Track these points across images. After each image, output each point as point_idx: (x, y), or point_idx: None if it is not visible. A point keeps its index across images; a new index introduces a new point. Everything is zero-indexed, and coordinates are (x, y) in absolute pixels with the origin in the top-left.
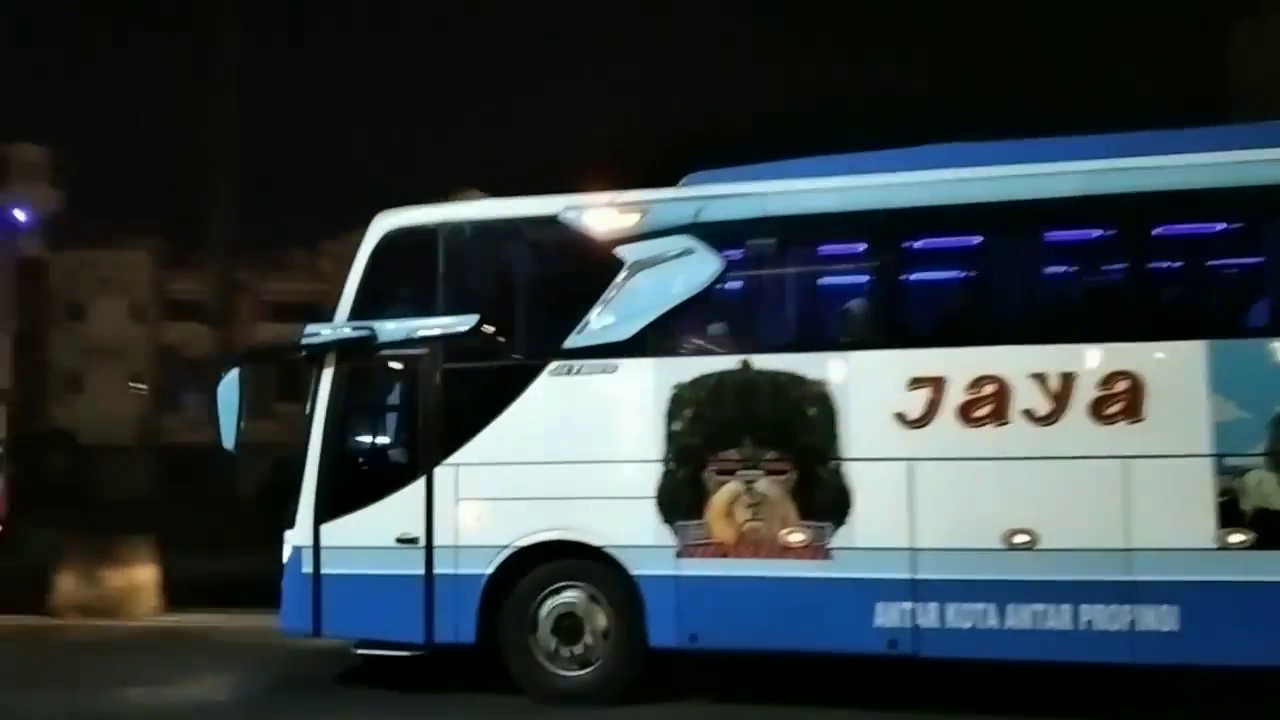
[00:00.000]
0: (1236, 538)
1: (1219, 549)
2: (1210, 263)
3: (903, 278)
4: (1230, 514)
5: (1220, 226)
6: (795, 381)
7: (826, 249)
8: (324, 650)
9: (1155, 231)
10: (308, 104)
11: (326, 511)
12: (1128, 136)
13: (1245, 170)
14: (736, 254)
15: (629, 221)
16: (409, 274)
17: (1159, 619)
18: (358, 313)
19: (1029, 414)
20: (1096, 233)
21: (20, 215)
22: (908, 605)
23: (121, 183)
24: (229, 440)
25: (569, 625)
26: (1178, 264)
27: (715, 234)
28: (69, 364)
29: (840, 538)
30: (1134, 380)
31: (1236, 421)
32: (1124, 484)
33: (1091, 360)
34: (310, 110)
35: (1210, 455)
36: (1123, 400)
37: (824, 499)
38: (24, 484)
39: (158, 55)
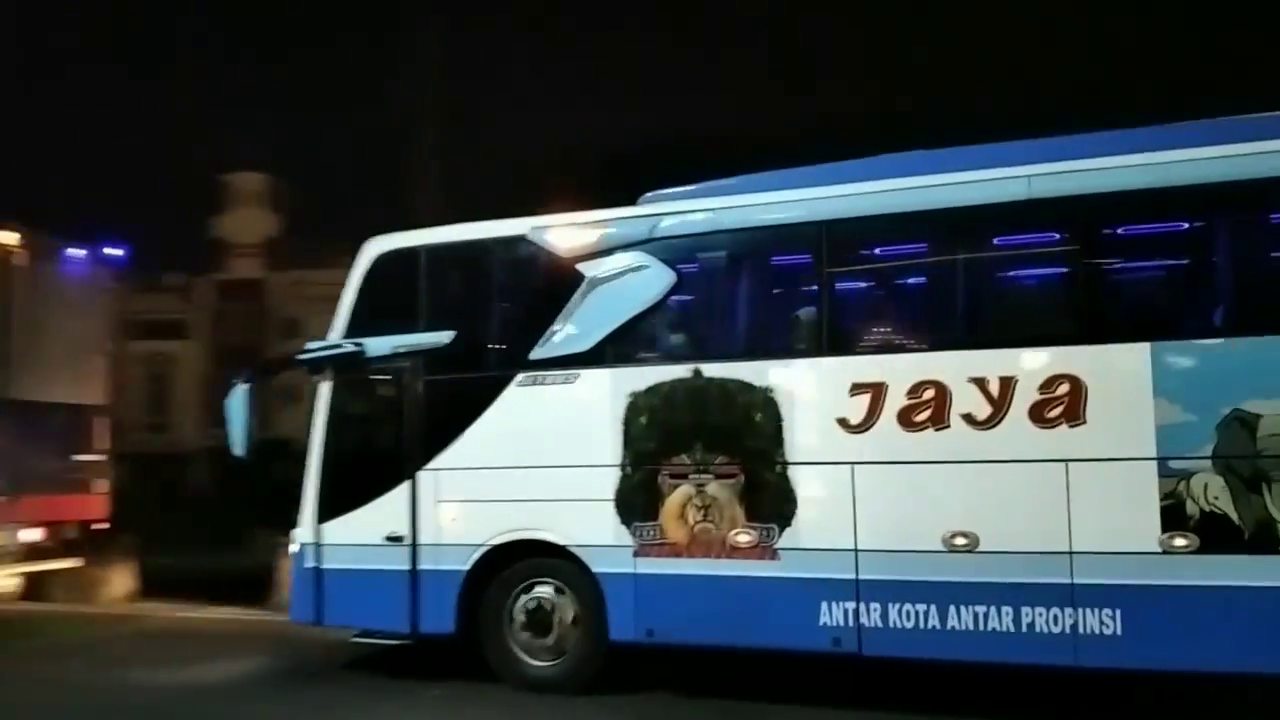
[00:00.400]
0: (1180, 541)
1: (1162, 553)
2: (1153, 264)
3: (843, 286)
4: (1174, 518)
5: (1164, 227)
6: (742, 388)
7: (771, 261)
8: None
9: (1097, 234)
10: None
11: (326, 511)
12: (1078, 138)
13: (1185, 169)
14: (688, 267)
15: (588, 239)
16: (396, 293)
17: (1101, 623)
18: (352, 330)
19: (969, 418)
20: (1037, 236)
21: (118, 252)
22: (851, 605)
23: (334, 202)
24: (239, 448)
25: (540, 619)
26: (1120, 266)
27: (668, 249)
28: (287, 378)
29: (786, 538)
30: (1075, 383)
31: (1181, 424)
32: (1065, 487)
33: (1031, 364)
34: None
35: (1153, 458)
36: (1063, 403)
37: (770, 501)
38: (250, 489)
39: (357, 72)
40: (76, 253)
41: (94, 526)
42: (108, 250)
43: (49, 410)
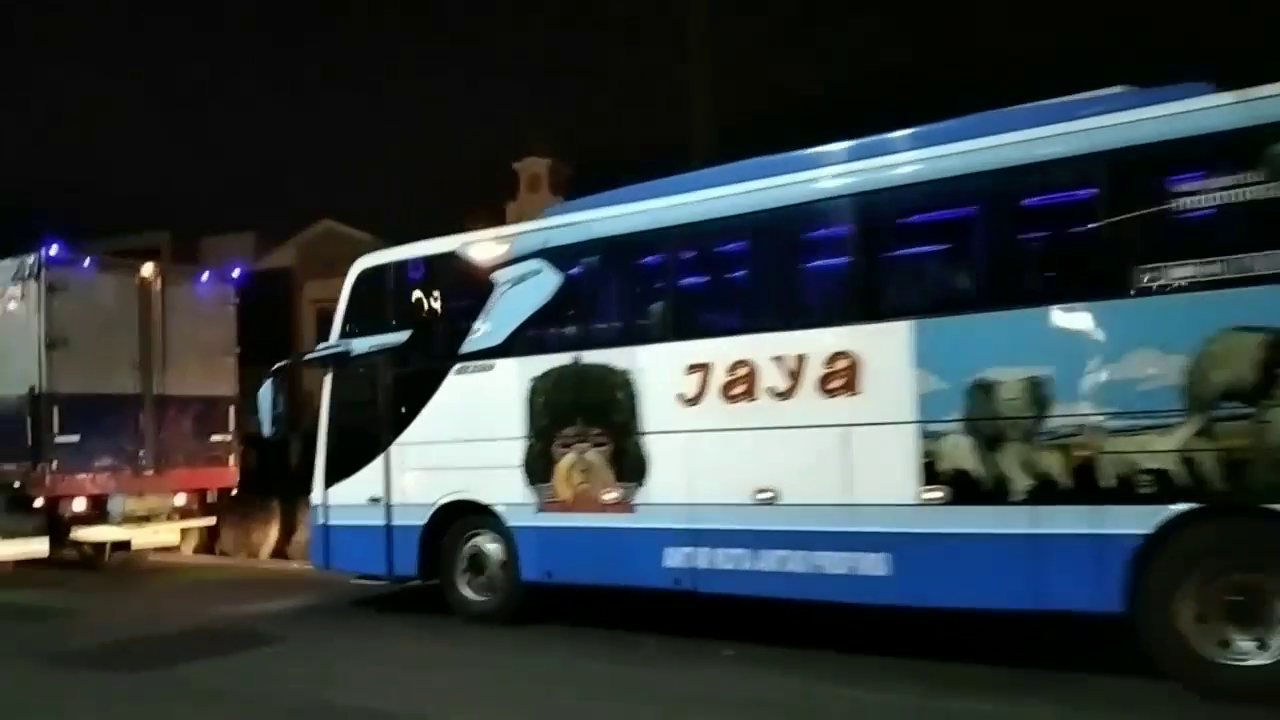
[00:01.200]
0: (934, 494)
1: (921, 504)
2: (913, 250)
3: (679, 282)
4: (931, 473)
5: (920, 217)
6: (609, 372)
7: (627, 262)
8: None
9: (868, 226)
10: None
11: (330, 479)
12: (873, 139)
13: (937, 165)
14: (572, 271)
15: (500, 251)
16: (373, 301)
17: (874, 565)
18: (345, 333)
19: (772, 391)
20: (824, 232)
21: (236, 273)
22: (687, 549)
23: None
24: (267, 430)
25: (478, 564)
26: (886, 253)
27: (557, 256)
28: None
29: (641, 495)
30: (852, 359)
31: (935, 392)
32: (845, 448)
33: (818, 343)
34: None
35: (915, 422)
36: (843, 376)
37: (630, 464)
38: None
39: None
40: (204, 276)
41: (230, 493)
42: (234, 272)
43: (189, 402)
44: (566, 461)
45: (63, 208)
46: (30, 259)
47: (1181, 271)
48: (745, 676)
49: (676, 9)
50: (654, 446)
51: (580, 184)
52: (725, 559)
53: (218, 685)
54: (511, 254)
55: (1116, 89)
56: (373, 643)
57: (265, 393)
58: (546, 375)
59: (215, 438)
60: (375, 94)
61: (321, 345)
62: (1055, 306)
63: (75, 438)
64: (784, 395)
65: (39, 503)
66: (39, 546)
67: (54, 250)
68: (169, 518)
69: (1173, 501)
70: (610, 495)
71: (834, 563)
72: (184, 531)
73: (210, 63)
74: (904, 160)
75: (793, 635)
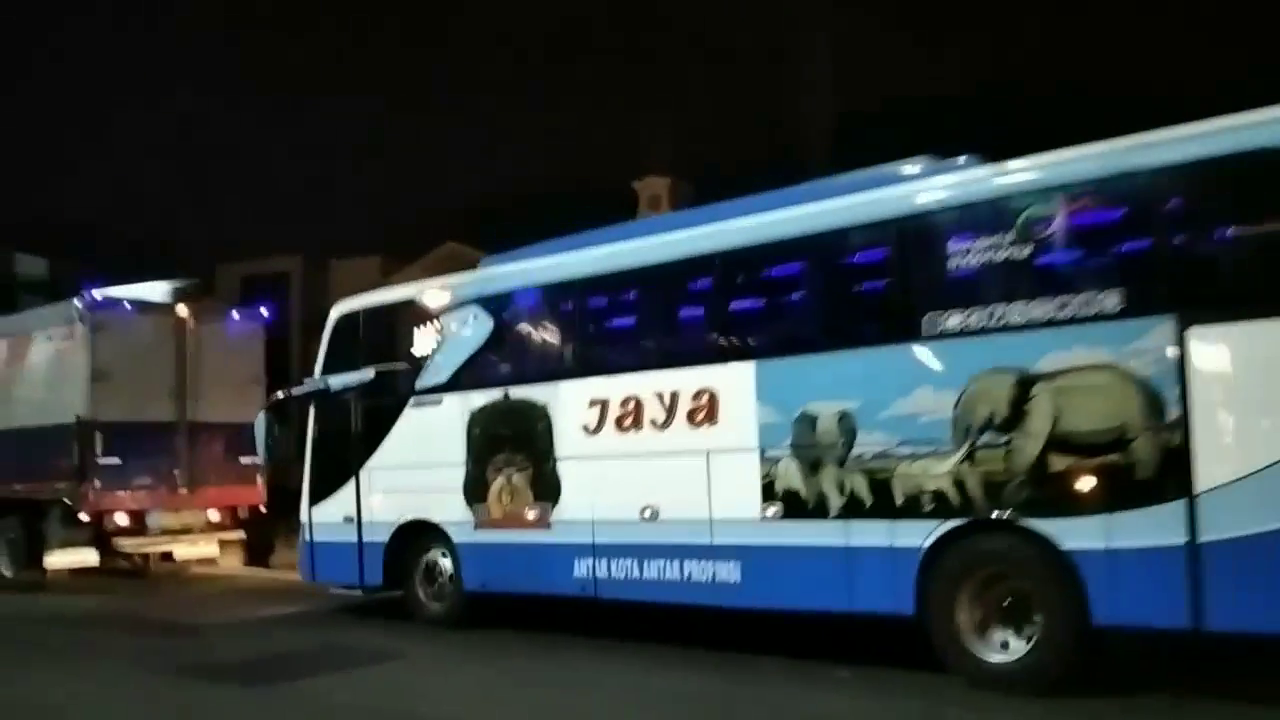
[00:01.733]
0: (771, 511)
1: (761, 519)
2: (756, 301)
3: (581, 326)
4: (768, 493)
5: (758, 273)
6: (530, 405)
7: (544, 309)
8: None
9: (720, 280)
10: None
11: (313, 500)
12: (731, 202)
13: (773, 229)
14: (500, 316)
15: (446, 298)
16: (348, 342)
17: (728, 572)
18: (326, 370)
19: (653, 422)
20: (685, 283)
21: (264, 312)
22: (590, 560)
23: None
24: (262, 458)
25: (433, 575)
26: (735, 303)
27: (490, 303)
28: None
29: (555, 513)
30: (711, 394)
31: (772, 423)
32: (707, 471)
33: (687, 381)
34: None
35: (757, 449)
36: (705, 409)
37: (547, 487)
38: None
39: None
40: (235, 314)
41: (258, 510)
42: (262, 310)
43: (219, 427)
44: (497, 485)
45: (202, 237)
46: (77, 303)
47: (953, 320)
48: (864, 698)
49: (794, 23)
50: (565, 471)
51: (703, 202)
52: (618, 569)
53: (343, 700)
54: (455, 300)
55: (918, 160)
56: (493, 660)
57: (260, 424)
58: (482, 409)
59: (244, 460)
60: (497, 116)
61: (305, 380)
62: (859, 349)
63: (117, 460)
64: (661, 426)
65: (85, 517)
66: (90, 556)
67: (97, 295)
68: (202, 531)
69: (947, 518)
70: (531, 514)
71: (699, 571)
72: None
73: (340, 90)
74: (750, 225)
75: (908, 658)
